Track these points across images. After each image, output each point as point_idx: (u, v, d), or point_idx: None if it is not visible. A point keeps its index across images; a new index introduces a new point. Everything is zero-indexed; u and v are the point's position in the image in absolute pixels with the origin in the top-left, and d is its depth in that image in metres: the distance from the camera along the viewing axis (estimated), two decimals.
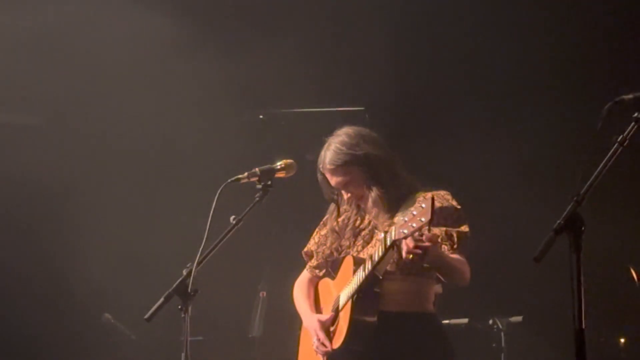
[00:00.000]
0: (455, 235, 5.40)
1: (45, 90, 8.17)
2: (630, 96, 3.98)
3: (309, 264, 6.05)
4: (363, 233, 5.74)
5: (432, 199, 4.91)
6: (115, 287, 8.16)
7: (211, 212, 5.10)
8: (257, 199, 5.40)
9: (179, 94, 8.18)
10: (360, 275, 5.40)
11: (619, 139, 3.87)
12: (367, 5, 8.05)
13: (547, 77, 7.92)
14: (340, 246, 5.83)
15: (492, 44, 8.03)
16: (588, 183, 3.78)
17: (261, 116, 7.93)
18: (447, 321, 7.21)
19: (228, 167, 5.56)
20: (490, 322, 7.14)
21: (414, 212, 4.94)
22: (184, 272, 5.04)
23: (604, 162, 3.83)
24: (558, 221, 3.71)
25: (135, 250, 8.17)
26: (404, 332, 5.49)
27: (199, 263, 5.03)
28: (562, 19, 7.87)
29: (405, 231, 4.98)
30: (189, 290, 4.98)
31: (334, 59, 8.13)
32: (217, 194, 5.17)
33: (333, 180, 5.69)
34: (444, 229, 5.37)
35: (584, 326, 3.69)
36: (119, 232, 8.22)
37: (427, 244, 5.06)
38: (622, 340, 7.62)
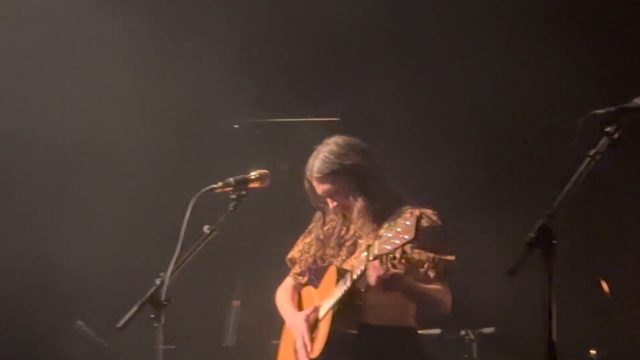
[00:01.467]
0: (442, 264, 5.34)
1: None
2: (603, 111, 4.00)
3: (293, 270, 6.06)
4: (347, 243, 5.75)
5: (418, 218, 4.93)
6: (88, 294, 8.14)
7: (185, 221, 5.09)
8: (231, 208, 5.40)
9: (155, 100, 8.16)
10: (343, 287, 5.40)
11: (591, 153, 3.89)
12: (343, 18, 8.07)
13: (519, 96, 7.94)
14: (325, 255, 5.84)
15: (463, 57, 8.05)
16: (560, 197, 3.80)
17: (236, 125, 7.92)
18: (419, 331, 7.23)
19: (202, 176, 5.53)
20: (462, 332, 7.15)
21: (398, 229, 4.97)
22: (157, 282, 5.03)
23: (576, 176, 3.85)
24: (530, 235, 3.73)
25: (109, 257, 8.15)
26: (384, 345, 5.52)
27: (172, 272, 5.02)
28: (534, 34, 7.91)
29: (388, 247, 5.01)
30: (162, 299, 4.98)
31: (310, 70, 8.13)
32: (191, 203, 5.17)
33: (320, 189, 5.70)
34: (431, 255, 5.30)
35: (555, 338, 3.70)
36: (93, 240, 8.20)
37: (396, 270, 5.11)
38: (593, 352, 7.65)
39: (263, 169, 5.54)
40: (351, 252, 5.70)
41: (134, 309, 5.02)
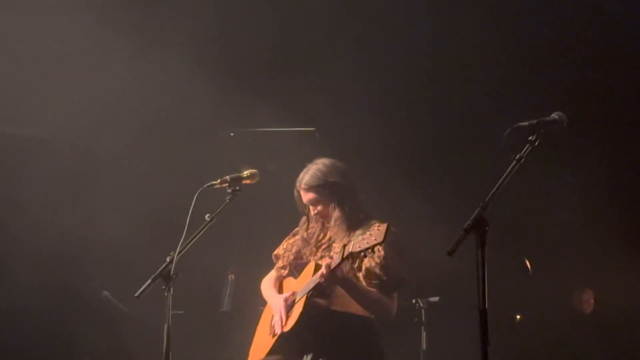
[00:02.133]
0: (391, 281, 5.46)
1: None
2: (526, 123, 4.02)
3: (277, 265, 6.07)
4: (324, 246, 5.76)
5: (388, 226, 4.98)
6: (113, 270, 8.11)
7: (190, 211, 5.11)
8: (228, 200, 5.42)
9: (166, 115, 8.11)
10: (314, 281, 5.40)
11: (516, 157, 3.91)
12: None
13: (457, 110, 7.93)
14: (303, 254, 5.85)
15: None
16: (491, 192, 3.82)
17: (232, 134, 7.91)
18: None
19: (204, 174, 5.53)
20: (413, 301, 7.13)
21: (370, 233, 5.02)
22: (167, 259, 5.04)
23: (504, 175, 3.87)
24: (467, 222, 3.74)
25: (129, 240, 8.12)
26: (345, 328, 5.50)
27: (179, 252, 5.03)
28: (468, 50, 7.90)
29: (361, 247, 5.02)
30: (172, 273, 5.00)
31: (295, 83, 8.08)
32: (195, 197, 5.19)
33: (305, 198, 5.73)
34: (387, 269, 5.41)
35: (487, 306, 3.72)
36: (117, 226, 8.17)
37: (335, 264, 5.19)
38: (518, 316, 7.66)
39: (253, 168, 5.54)
40: (326, 253, 5.72)
41: (149, 281, 5.04)
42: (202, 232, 5.20)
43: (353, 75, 7.99)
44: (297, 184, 5.79)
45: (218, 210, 5.31)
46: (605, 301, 7.75)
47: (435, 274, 7.20)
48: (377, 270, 5.43)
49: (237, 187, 5.43)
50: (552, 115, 4.08)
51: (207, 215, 5.25)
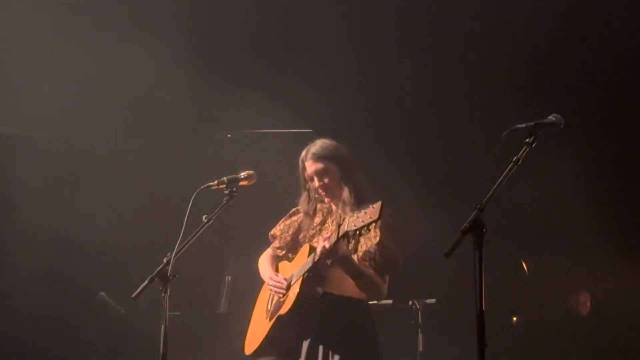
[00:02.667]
0: (386, 263, 5.40)
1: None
2: (523, 125, 4.03)
3: (273, 244, 5.97)
4: (322, 231, 5.70)
5: (382, 203, 4.88)
6: (109, 269, 8.11)
7: (187, 211, 5.11)
8: (225, 202, 5.40)
9: (166, 117, 8.12)
10: (312, 260, 5.36)
11: (514, 159, 3.91)
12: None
13: (457, 109, 7.93)
14: (302, 234, 5.80)
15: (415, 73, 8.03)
16: (489, 194, 3.81)
17: (229, 135, 7.91)
18: (375, 302, 7.22)
19: (202, 175, 5.52)
20: (410, 303, 7.15)
21: (365, 211, 4.93)
22: (164, 260, 5.04)
23: (501, 177, 3.87)
24: (465, 224, 3.74)
25: (127, 241, 8.12)
26: (341, 310, 5.46)
27: (176, 253, 5.02)
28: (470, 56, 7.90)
29: (355, 225, 4.97)
30: (169, 274, 4.99)
31: (290, 85, 8.08)
32: (192, 198, 5.18)
33: (313, 167, 5.61)
34: (382, 251, 5.36)
35: (484, 307, 3.72)
36: (115, 227, 8.18)
37: (332, 243, 5.12)
38: (514, 318, 7.67)
39: (250, 170, 5.53)
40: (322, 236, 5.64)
41: (146, 282, 5.04)
42: (199, 233, 5.19)
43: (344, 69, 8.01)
44: (303, 156, 5.66)
45: (215, 212, 5.30)
46: (601, 303, 7.76)
47: (431, 276, 7.21)
48: (373, 252, 5.35)
49: (235, 189, 5.42)
50: (550, 117, 4.09)
51: (205, 216, 5.25)
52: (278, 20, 8.00)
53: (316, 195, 5.73)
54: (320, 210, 5.79)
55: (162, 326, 4.98)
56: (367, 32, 8.05)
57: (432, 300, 7.15)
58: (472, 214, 3.76)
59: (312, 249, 5.46)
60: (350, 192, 5.54)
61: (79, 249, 8.15)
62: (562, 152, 6.94)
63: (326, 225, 5.71)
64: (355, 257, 5.39)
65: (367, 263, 5.37)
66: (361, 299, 5.55)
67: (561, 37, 7.66)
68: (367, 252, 5.37)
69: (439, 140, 8.03)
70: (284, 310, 5.46)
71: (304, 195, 5.81)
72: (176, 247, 5.04)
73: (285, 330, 5.51)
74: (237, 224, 7.71)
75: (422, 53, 7.92)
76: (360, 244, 5.43)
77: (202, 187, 5.31)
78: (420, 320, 7.13)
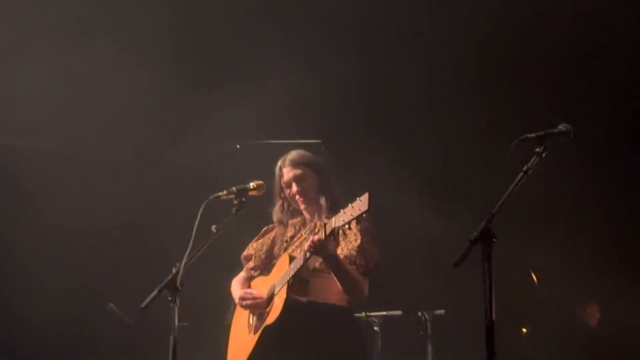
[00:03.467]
0: (367, 265, 5.36)
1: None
2: (533, 135, 4.02)
3: (247, 266, 5.93)
4: (297, 242, 5.68)
5: (369, 194, 4.83)
6: (117, 281, 8.11)
7: (196, 222, 5.09)
8: (234, 212, 5.39)
9: (177, 127, 8.14)
10: (298, 263, 5.30)
11: (524, 169, 3.91)
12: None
13: (466, 121, 7.93)
14: (275, 251, 5.78)
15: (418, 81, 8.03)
16: (498, 204, 3.81)
17: (238, 145, 7.91)
18: (384, 312, 7.22)
19: (210, 186, 5.51)
20: (419, 314, 7.13)
21: (352, 205, 4.90)
22: (174, 271, 5.02)
23: (511, 187, 3.86)
24: (474, 234, 3.73)
25: (135, 251, 8.13)
26: (328, 319, 5.41)
27: (185, 263, 5.01)
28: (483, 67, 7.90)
29: (344, 219, 4.94)
30: (178, 285, 4.97)
31: (300, 97, 8.08)
32: (202, 208, 5.17)
33: (291, 173, 5.63)
34: (364, 253, 5.36)
35: (494, 318, 3.70)
36: (122, 238, 8.19)
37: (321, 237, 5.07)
38: (524, 329, 7.65)
39: (259, 180, 5.52)
40: (298, 247, 5.61)
41: (155, 292, 5.01)
42: (208, 243, 5.18)
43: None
44: (281, 163, 5.68)
45: (224, 222, 5.29)
46: (610, 314, 7.74)
47: (441, 287, 7.20)
48: (355, 255, 5.33)
49: (244, 199, 5.41)
50: (559, 126, 4.08)
51: (213, 226, 5.23)
52: (285, 27, 8.00)
53: (290, 207, 5.73)
54: (291, 224, 5.78)
55: (171, 336, 4.97)
56: (374, 39, 8.05)
57: (441, 311, 7.14)
58: (482, 224, 3.75)
59: (292, 258, 5.43)
60: (327, 201, 5.54)
61: (86, 257, 8.15)
62: (573, 160, 6.93)
63: (299, 235, 5.69)
64: None
65: (350, 266, 5.34)
66: (344, 307, 5.51)
67: (574, 45, 7.66)
68: (348, 256, 5.34)
69: (448, 150, 8.02)
70: (271, 319, 5.40)
71: (278, 204, 5.78)
72: (185, 257, 5.02)
73: (274, 340, 5.43)
74: (245, 234, 7.70)
75: (428, 59, 7.92)
76: (340, 247, 5.39)
77: (211, 197, 5.29)
78: (429, 331, 7.12)
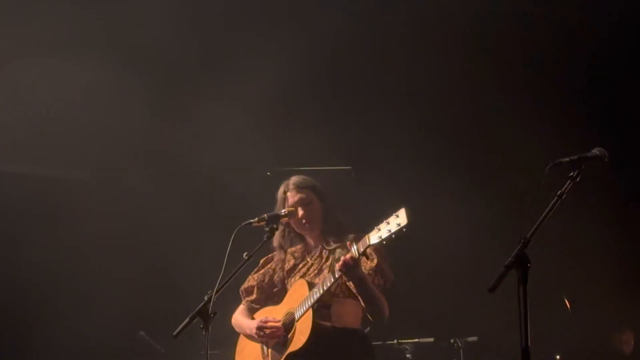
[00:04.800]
0: (386, 284, 5.35)
1: None
2: (567, 159, 4.00)
3: (247, 299, 5.84)
4: (304, 269, 5.65)
5: (406, 208, 4.88)
6: (149, 309, 8.12)
7: (228, 249, 5.09)
8: (265, 239, 5.39)
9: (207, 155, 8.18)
10: (322, 287, 5.27)
11: (558, 194, 3.89)
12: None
13: (501, 144, 7.91)
14: (276, 279, 5.76)
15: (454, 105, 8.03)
16: (533, 228, 3.78)
17: (268, 173, 7.93)
18: (417, 339, 7.18)
19: (242, 213, 5.51)
20: (452, 341, 7.10)
21: (388, 221, 4.91)
22: (205, 298, 5.02)
23: (546, 212, 3.84)
24: (509, 259, 3.71)
25: (167, 279, 8.15)
26: (350, 345, 5.38)
27: (217, 290, 5.01)
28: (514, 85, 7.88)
29: (380, 236, 4.95)
30: (209, 312, 4.96)
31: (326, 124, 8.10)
32: (233, 235, 5.17)
33: (297, 197, 5.60)
34: (382, 275, 5.35)
35: (529, 344, 3.67)
36: (154, 266, 8.21)
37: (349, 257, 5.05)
38: (558, 357, 7.58)
39: (291, 207, 5.52)
40: (318, 272, 5.57)
41: (187, 320, 5.01)
42: (239, 270, 5.17)
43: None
44: (284, 188, 5.66)
45: (256, 249, 5.29)
46: None
47: (474, 313, 7.16)
48: (373, 274, 5.31)
49: (275, 225, 5.42)
50: (593, 150, 4.06)
51: (245, 253, 5.23)
52: (319, 56, 8.02)
53: (290, 234, 5.70)
54: (290, 253, 5.74)
55: None
56: (405, 61, 8.07)
57: (474, 338, 7.10)
58: (516, 249, 3.72)
59: (311, 284, 5.40)
60: (333, 225, 5.54)
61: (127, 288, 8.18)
62: (603, 186, 6.89)
63: (305, 262, 5.66)
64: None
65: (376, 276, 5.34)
66: (362, 330, 5.51)
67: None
68: (369, 276, 5.30)
69: (481, 175, 7.99)
70: (296, 345, 5.34)
71: (280, 230, 5.69)
72: (217, 284, 5.02)
73: None
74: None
75: (456, 80, 7.93)
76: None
77: (243, 224, 5.30)
78: (462, 359, 7.07)
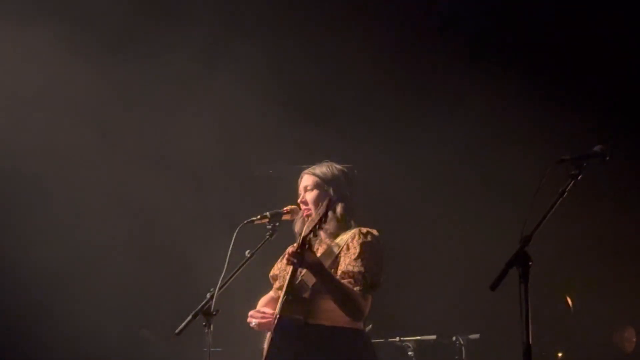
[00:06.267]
0: (368, 281, 5.12)
1: None
2: (569, 157, 4.00)
3: (274, 286, 5.68)
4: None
5: (330, 199, 4.98)
6: (151, 306, 8.13)
7: (230, 247, 5.09)
8: (267, 237, 5.38)
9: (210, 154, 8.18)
10: (286, 280, 5.19)
11: (560, 191, 3.88)
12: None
13: (502, 144, 7.91)
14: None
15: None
16: (534, 226, 3.78)
17: (271, 170, 7.94)
18: (419, 337, 7.18)
19: (245, 211, 5.51)
20: (454, 338, 7.11)
21: (317, 212, 4.98)
22: (208, 296, 5.02)
23: (547, 209, 3.84)
24: (510, 257, 3.70)
25: (169, 277, 8.16)
26: (335, 341, 5.16)
27: (220, 288, 5.01)
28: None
29: (309, 227, 4.95)
30: (212, 310, 4.97)
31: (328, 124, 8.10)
32: (235, 233, 5.16)
33: (306, 181, 5.48)
34: (362, 267, 5.14)
35: (530, 341, 3.67)
36: (155, 263, 8.22)
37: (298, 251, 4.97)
38: (560, 354, 7.59)
39: (293, 205, 5.51)
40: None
41: (189, 317, 5.00)
42: (242, 268, 5.17)
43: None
44: (304, 172, 5.56)
45: (258, 247, 5.27)
46: None
47: (475, 311, 7.17)
48: (352, 268, 5.11)
49: (277, 223, 5.40)
50: (595, 148, 4.05)
51: (247, 251, 5.22)
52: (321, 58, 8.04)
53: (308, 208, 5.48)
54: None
55: None
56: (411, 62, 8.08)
57: (476, 336, 7.10)
58: (518, 247, 3.72)
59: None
60: (338, 212, 5.32)
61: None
62: (606, 184, 6.90)
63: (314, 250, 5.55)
64: (337, 272, 5.14)
65: (346, 281, 5.10)
66: (357, 329, 5.24)
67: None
68: (346, 271, 5.12)
69: (483, 174, 8.00)
70: (268, 341, 5.26)
71: (300, 214, 5.57)
72: (219, 282, 5.02)
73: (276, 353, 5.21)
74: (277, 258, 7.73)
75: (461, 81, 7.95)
76: (339, 263, 5.18)
77: (245, 222, 5.29)
78: (463, 356, 7.08)
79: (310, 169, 5.52)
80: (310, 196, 5.44)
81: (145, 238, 8.31)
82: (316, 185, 5.45)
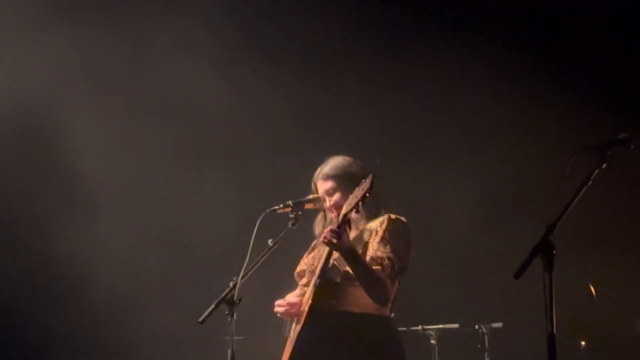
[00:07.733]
0: (396, 266, 5.12)
1: None
2: (592, 145, 3.96)
3: (300, 282, 5.65)
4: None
5: (373, 175, 4.87)
6: (179, 295, 8.15)
7: (253, 235, 5.09)
8: (290, 225, 5.36)
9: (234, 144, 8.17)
10: (320, 264, 5.19)
11: (584, 180, 3.85)
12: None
13: (525, 132, 7.88)
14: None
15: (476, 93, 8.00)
16: (559, 215, 3.75)
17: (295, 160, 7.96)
18: (441, 325, 7.16)
19: (268, 199, 5.49)
20: (476, 327, 7.09)
21: (359, 187, 4.91)
22: (231, 284, 5.02)
23: (571, 198, 3.80)
24: (534, 246, 3.68)
25: (192, 265, 8.17)
26: (368, 332, 5.15)
27: (243, 277, 5.00)
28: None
29: (350, 203, 4.92)
30: (235, 299, 4.97)
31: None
32: (258, 222, 5.16)
33: (323, 187, 5.44)
34: (390, 252, 5.13)
35: (554, 330, 3.65)
36: (179, 252, 8.23)
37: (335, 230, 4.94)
38: (583, 342, 7.56)
39: (315, 193, 5.49)
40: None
41: (212, 306, 5.02)
42: (264, 257, 5.16)
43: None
44: (315, 177, 5.50)
45: (281, 235, 5.27)
46: None
47: (499, 299, 7.14)
48: (381, 255, 5.10)
49: (300, 212, 5.38)
50: (620, 136, 4.01)
51: (270, 240, 5.22)
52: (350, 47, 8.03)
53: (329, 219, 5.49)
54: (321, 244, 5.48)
55: (229, 350, 4.98)
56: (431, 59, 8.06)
57: (499, 325, 7.07)
58: (542, 235, 3.69)
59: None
60: (362, 208, 5.19)
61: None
62: (634, 169, 6.85)
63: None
64: (367, 257, 5.12)
65: (377, 265, 5.10)
66: (384, 315, 5.24)
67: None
68: (374, 257, 5.11)
69: (507, 162, 7.96)
70: (299, 326, 5.23)
71: (320, 216, 5.61)
72: (242, 271, 5.02)
73: (305, 349, 5.19)
74: (300, 247, 7.73)
75: (480, 69, 7.91)
76: (367, 249, 5.18)
77: (267, 210, 5.27)
78: (487, 345, 7.06)
79: (322, 174, 5.47)
80: (336, 198, 5.40)
81: (168, 227, 8.33)
82: (336, 187, 5.41)
